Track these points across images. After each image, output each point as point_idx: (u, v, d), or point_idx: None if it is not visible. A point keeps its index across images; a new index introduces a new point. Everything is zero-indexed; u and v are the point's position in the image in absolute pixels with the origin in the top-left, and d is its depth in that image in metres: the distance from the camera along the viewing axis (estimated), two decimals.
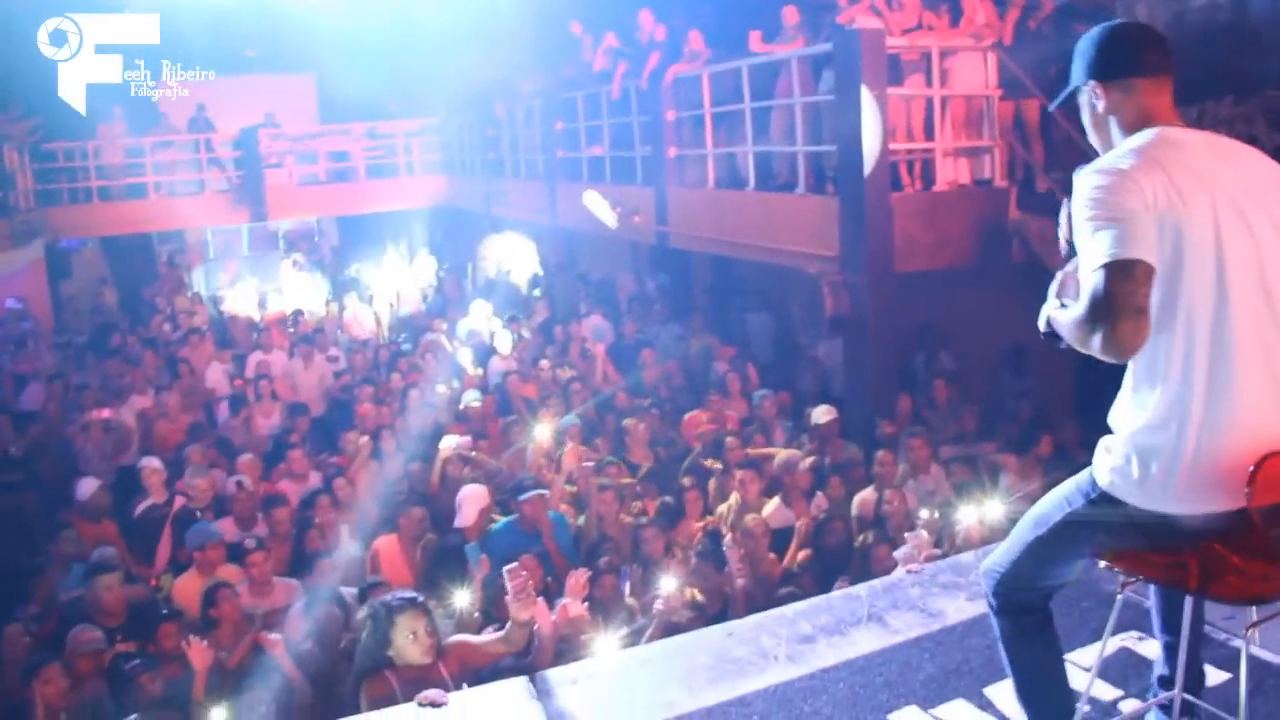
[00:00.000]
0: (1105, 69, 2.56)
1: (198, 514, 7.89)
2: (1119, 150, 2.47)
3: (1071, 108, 2.72)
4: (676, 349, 12.10)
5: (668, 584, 5.24)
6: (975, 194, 9.02)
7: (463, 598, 4.39)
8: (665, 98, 11.62)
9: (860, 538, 6.55)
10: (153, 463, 8.49)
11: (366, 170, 20.78)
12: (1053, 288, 2.62)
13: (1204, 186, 2.37)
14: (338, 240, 24.49)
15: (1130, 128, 2.53)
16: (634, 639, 4.97)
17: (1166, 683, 3.14)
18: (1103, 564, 2.60)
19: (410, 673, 4.26)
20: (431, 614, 4.47)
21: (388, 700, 4.04)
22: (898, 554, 4.98)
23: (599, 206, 12.99)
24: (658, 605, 5.13)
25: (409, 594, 4.57)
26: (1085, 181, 2.37)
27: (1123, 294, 2.20)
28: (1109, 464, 2.53)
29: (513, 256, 19.18)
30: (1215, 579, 2.40)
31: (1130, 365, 2.45)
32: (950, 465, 7.56)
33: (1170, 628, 3.13)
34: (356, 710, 4.18)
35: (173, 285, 19.35)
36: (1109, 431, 2.60)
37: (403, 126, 20.97)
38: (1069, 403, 8.92)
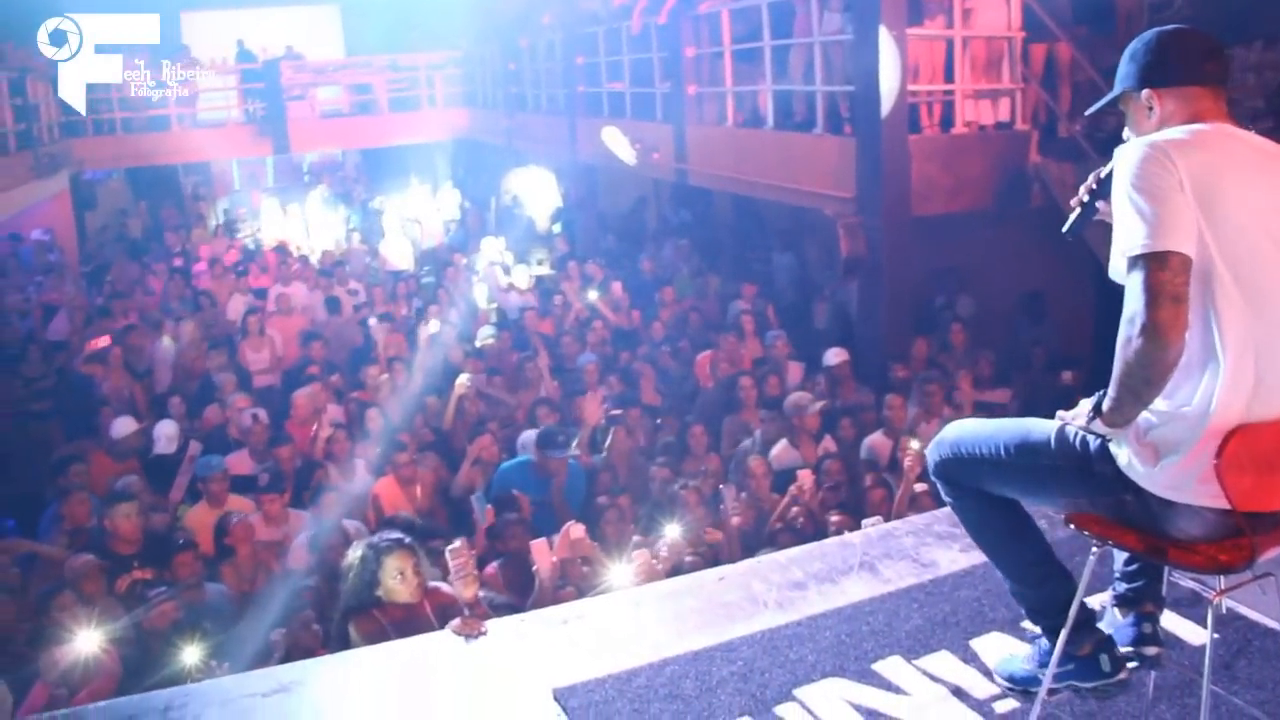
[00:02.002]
0: (1163, 76, 2.49)
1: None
2: (1166, 131, 2.41)
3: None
4: (694, 286, 12.08)
5: (672, 531, 5.29)
6: (995, 137, 8.89)
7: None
8: (685, 34, 11.49)
9: (868, 478, 6.55)
10: (167, 427, 8.37)
11: (389, 103, 20.65)
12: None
13: (1243, 178, 2.33)
14: (361, 173, 24.48)
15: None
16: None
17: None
18: (1071, 526, 2.59)
19: (397, 612, 4.35)
20: (419, 553, 4.53)
21: (380, 636, 4.12)
22: (865, 524, 4.99)
23: (618, 143, 12.93)
24: (662, 553, 5.18)
25: (396, 534, 4.61)
26: (1128, 156, 2.34)
27: (1159, 282, 2.19)
28: (1133, 446, 2.42)
29: (533, 190, 19.13)
30: (1187, 551, 2.41)
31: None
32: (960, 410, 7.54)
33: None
34: (345, 645, 4.29)
35: (192, 217, 19.45)
36: None
37: (425, 59, 20.77)
38: (1087, 349, 8.86)
